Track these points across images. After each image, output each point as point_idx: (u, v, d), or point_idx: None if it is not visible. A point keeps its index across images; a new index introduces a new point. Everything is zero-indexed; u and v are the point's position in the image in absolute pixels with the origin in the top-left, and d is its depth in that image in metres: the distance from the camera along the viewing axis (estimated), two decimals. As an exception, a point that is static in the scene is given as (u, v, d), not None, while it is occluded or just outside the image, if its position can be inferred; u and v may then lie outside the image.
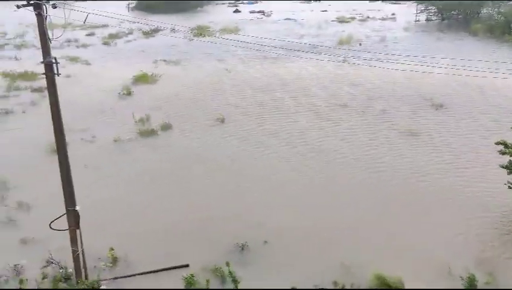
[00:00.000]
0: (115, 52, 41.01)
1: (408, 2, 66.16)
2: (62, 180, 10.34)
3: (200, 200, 15.37)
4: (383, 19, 57.11)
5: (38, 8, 8.93)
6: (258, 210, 14.65)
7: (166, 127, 21.84)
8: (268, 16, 63.77)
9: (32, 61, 36.70)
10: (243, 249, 12.55)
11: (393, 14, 60.03)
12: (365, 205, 14.91)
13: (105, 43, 44.57)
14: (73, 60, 36.93)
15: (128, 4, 74.77)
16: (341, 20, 56.43)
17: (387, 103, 25.12)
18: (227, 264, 11.10)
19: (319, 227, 13.67)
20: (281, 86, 29.10)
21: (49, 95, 9.76)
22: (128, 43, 45.10)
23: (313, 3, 79.06)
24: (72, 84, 29.36)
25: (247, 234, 13.01)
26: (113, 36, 47.41)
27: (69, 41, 45.70)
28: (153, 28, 49.04)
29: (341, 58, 33.88)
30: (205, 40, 45.92)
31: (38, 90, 28.39)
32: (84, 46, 43.28)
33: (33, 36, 49.00)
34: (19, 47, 43.90)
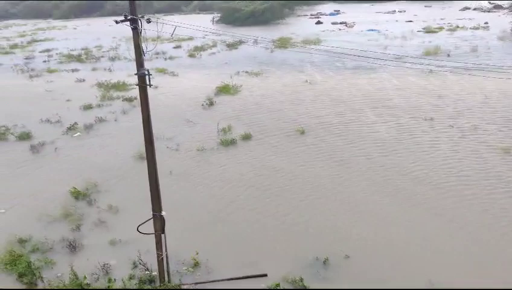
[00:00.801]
0: (199, 64, 42.52)
1: (504, 10, 62.08)
2: (150, 187, 10.80)
3: (280, 212, 15.37)
4: (475, 28, 53.99)
5: (134, 22, 9.46)
6: (339, 224, 14.35)
7: (246, 137, 22.17)
8: (351, 27, 62.85)
9: (123, 72, 39.26)
10: (324, 263, 12.36)
11: (486, 23, 56.57)
12: (455, 228, 14.04)
13: (190, 56, 46.38)
14: (161, 71, 38.76)
15: (213, 18, 77.44)
16: (428, 31, 54.15)
17: (477, 116, 23.58)
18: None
19: (405, 245, 13.09)
20: (362, 97, 28.43)
21: (141, 105, 10.29)
22: (212, 55, 46.55)
23: (398, 14, 76.82)
24: (160, 94, 30.80)
25: (328, 248, 12.81)
26: (198, 48, 49.26)
27: (157, 53, 48.14)
28: (236, 40, 50.41)
29: (427, 69, 32.51)
30: (286, 51, 46.46)
31: (128, 99, 30.15)
32: (172, 58, 45.33)
33: (125, 49, 52.36)
34: (112, 59, 46.98)
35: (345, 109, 26.27)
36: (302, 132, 22.56)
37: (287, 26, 68.07)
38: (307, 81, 33.38)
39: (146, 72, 9.87)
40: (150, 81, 10.05)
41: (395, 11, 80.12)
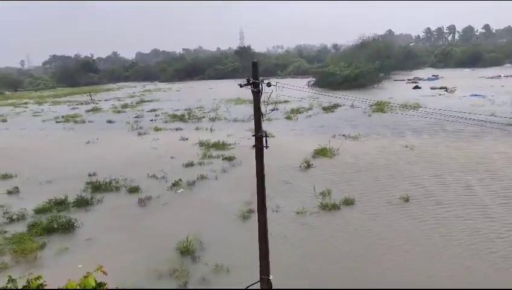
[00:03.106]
0: (296, 126, 43.09)
1: None
2: (260, 250, 10.66)
3: (382, 283, 14.38)
4: None
5: (256, 86, 9.76)
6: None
7: (348, 202, 21.51)
8: (452, 92, 60.67)
9: (223, 132, 40.86)
10: None
11: None
12: None
13: (287, 118, 47.27)
14: (259, 132, 39.71)
15: (308, 81, 79.17)
16: (540, 97, 50.68)
17: None
18: None
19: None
20: (464, 162, 26.82)
21: (257, 165, 10.40)
22: (308, 118, 47.08)
23: (504, 78, 73.03)
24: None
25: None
26: (294, 111, 50.17)
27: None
28: (332, 103, 50.73)
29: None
30: (384, 115, 45.68)
31: (228, 159, 31.01)
32: (269, 120, 46.41)
33: (224, 110, 54.98)
34: (213, 119, 49.30)
35: (446, 175, 24.86)
36: (407, 199, 21.43)
37: (384, 91, 67.45)
38: (406, 146, 32.22)
39: (263, 134, 10.00)
40: (266, 142, 10.17)
41: (500, 76, 76.40)
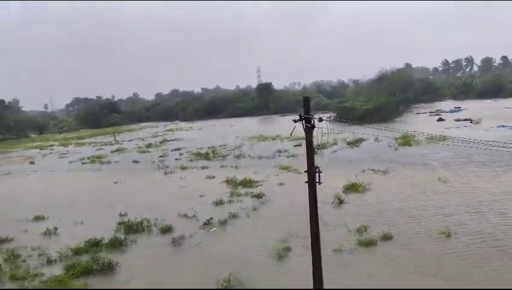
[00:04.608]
0: (321, 162, 42.74)
1: None
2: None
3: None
4: None
5: (308, 121, 9.71)
6: None
7: (386, 237, 20.97)
8: (478, 123, 59.99)
9: (249, 169, 40.78)
10: None
11: None
12: None
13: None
14: (285, 169, 39.54)
15: (329, 116, 79.19)
16: None
17: None
18: None
19: None
20: (502, 196, 26.06)
21: (310, 201, 10.23)
22: (334, 153, 46.80)
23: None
24: (287, 192, 31.10)
25: None
26: (319, 146, 49.87)
27: (279, 151, 49.78)
28: (356, 137, 50.47)
29: None
30: (411, 148, 45.20)
31: (257, 196, 30.77)
32: (294, 156, 46.28)
33: (248, 148, 55.08)
34: (237, 157, 49.32)
35: (484, 207, 24.18)
36: (448, 235, 20.79)
37: (406, 124, 66.95)
38: (439, 179, 31.62)
39: (316, 170, 9.87)
40: (319, 178, 10.02)
41: (524, 106, 75.49)
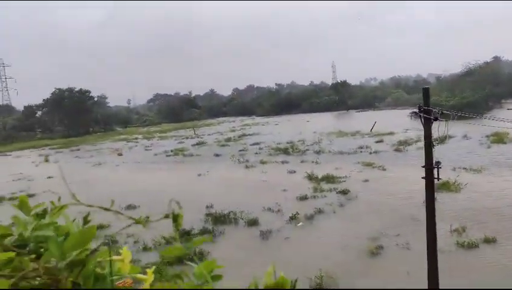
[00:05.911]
0: (406, 158, 41.12)
1: None
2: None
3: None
4: None
5: (428, 113, 9.16)
6: None
7: (489, 240, 19.65)
8: None
9: (330, 165, 40.17)
10: None
11: None
12: None
13: (397, 150, 45.45)
14: (369, 165, 38.49)
15: (411, 113, 76.14)
16: None
17: None
18: None
19: None
20: None
21: (426, 197, 9.66)
22: (419, 149, 44.70)
23: None
24: (373, 189, 30.21)
25: None
26: (402, 143, 48.18)
27: (361, 147, 48.59)
28: (442, 135, 47.91)
29: None
30: (505, 146, 42.24)
31: (342, 192, 30.19)
32: (376, 152, 45.01)
33: (327, 143, 54.32)
34: (317, 152, 48.76)
35: None
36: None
37: (496, 121, 62.62)
38: (542, 179, 29.21)
39: (435, 165, 9.29)
40: (438, 174, 9.44)
41: None
